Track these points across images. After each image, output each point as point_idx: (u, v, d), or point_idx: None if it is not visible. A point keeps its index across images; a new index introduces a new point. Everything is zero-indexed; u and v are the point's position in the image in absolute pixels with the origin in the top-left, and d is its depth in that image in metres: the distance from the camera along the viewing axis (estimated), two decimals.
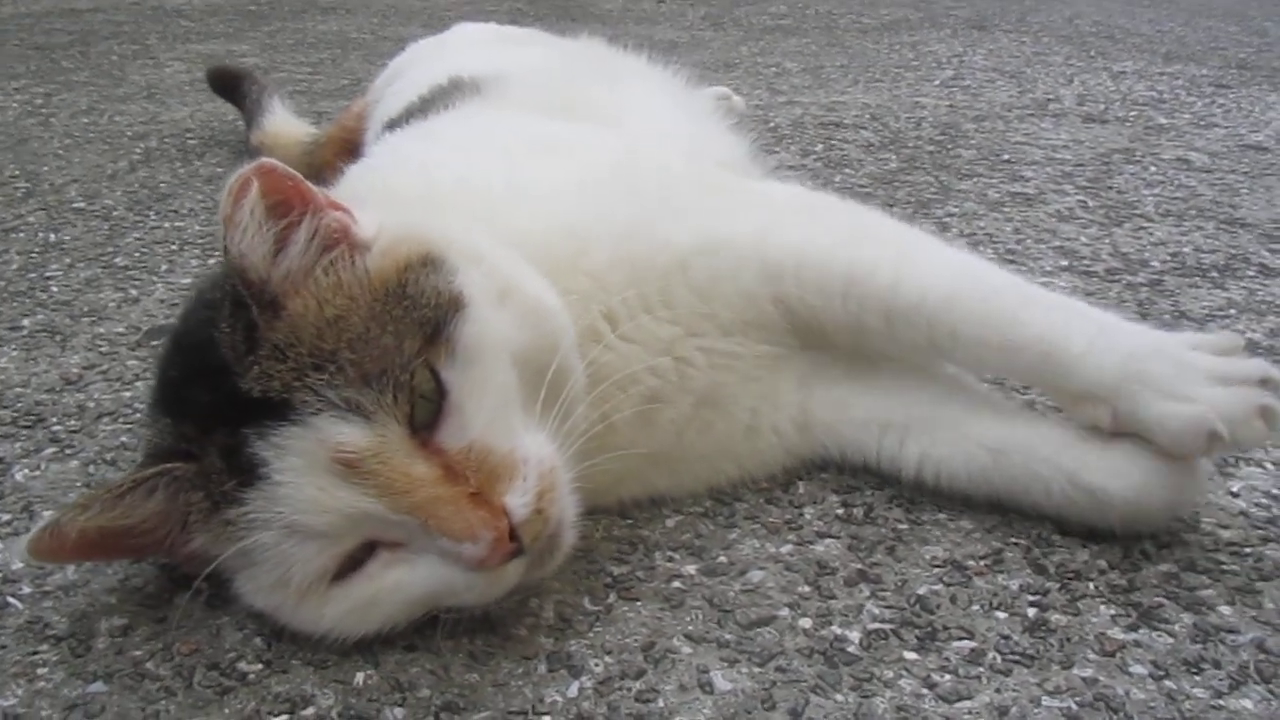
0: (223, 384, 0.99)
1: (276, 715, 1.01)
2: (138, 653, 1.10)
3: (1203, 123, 3.21)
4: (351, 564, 1.01)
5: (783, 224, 1.32)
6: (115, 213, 2.44)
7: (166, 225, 2.35)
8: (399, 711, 1.01)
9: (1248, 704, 1.00)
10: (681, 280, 1.27)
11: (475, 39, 2.40)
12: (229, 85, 2.94)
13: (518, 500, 1.00)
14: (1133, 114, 3.31)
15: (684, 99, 2.11)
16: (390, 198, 1.27)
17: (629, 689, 1.03)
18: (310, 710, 1.01)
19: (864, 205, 1.46)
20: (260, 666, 1.07)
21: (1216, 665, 1.04)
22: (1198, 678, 1.03)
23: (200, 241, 2.25)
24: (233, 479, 0.99)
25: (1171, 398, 1.13)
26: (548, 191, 1.31)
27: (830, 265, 1.28)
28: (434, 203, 1.27)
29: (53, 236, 2.29)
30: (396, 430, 0.98)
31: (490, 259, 1.13)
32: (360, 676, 1.05)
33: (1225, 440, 1.11)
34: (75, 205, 2.49)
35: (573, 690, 1.03)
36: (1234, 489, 1.33)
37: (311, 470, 0.97)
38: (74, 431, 1.51)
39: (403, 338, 1.00)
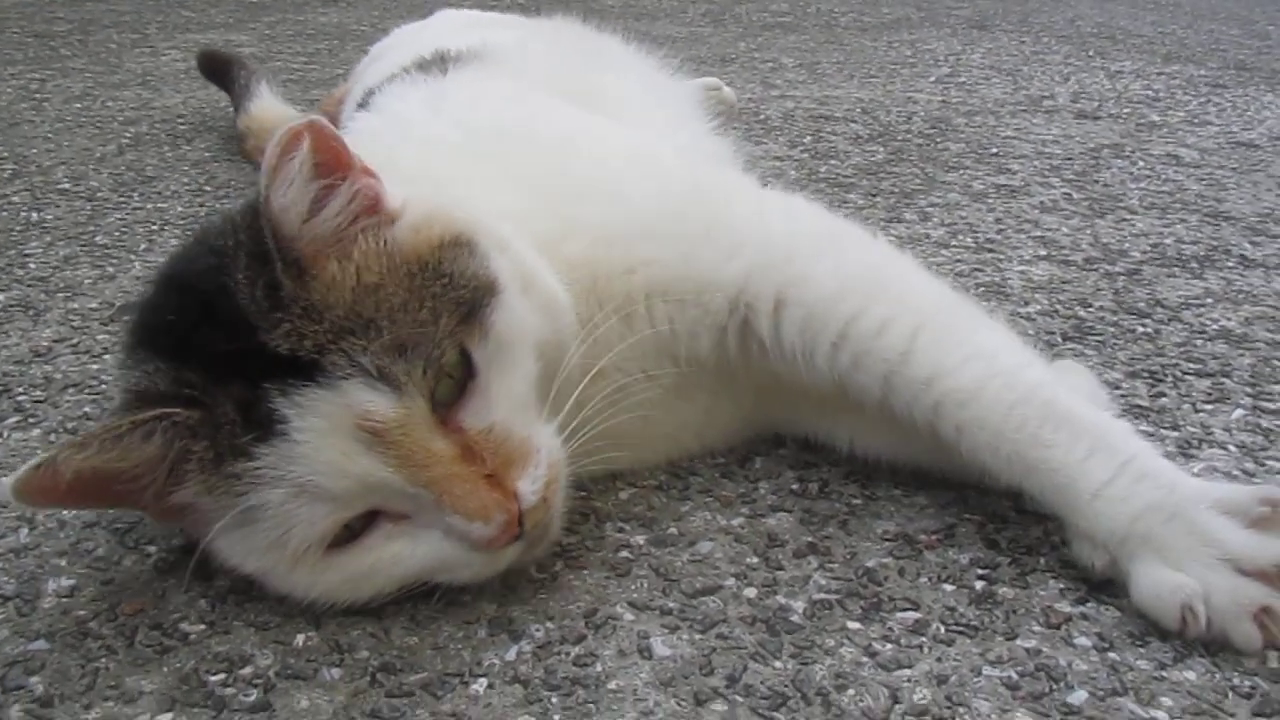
0: (243, 336, 0.97)
1: (214, 674, 1.01)
2: (82, 612, 1.10)
3: (1196, 120, 3.20)
4: (348, 533, 1.01)
5: (784, 259, 1.22)
6: (100, 194, 2.44)
7: (149, 206, 2.36)
8: (336, 672, 1.01)
9: (1191, 675, 0.99)
10: (644, 313, 1.23)
11: (457, 22, 2.40)
12: (218, 70, 2.94)
13: (529, 486, 1.01)
14: (1126, 111, 3.30)
15: (665, 86, 2.11)
16: (390, 164, 1.26)
17: (567, 653, 1.03)
18: (248, 669, 1.01)
19: (900, 251, 1.31)
20: (203, 627, 1.07)
21: (1163, 638, 1.03)
22: (1142, 650, 1.03)
23: (182, 223, 2.25)
24: (248, 433, 0.97)
25: (1169, 566, 1.03)
26: (543, 169, 1.30)
27: (829, 309, 1.18)
28: (434, 171, 1.26)
29: (35, 216, 2.29)
30: (422, 404, 0.98)
31: (514, 247, 1.13)
32: (300, 638, 1.05)
33: (1201, 624, 1.01)
34: (60, 186, 2.49)
35: (511, 654, 1.03)
36: (1195, 470, 1.32)
37: (334, 433, 0.96)
38: (38, 401, 1.51)
39: (440, 314, 1.00)
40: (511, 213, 1.19)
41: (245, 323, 0.97)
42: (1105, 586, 1.10)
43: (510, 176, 1.27)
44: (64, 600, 1.12)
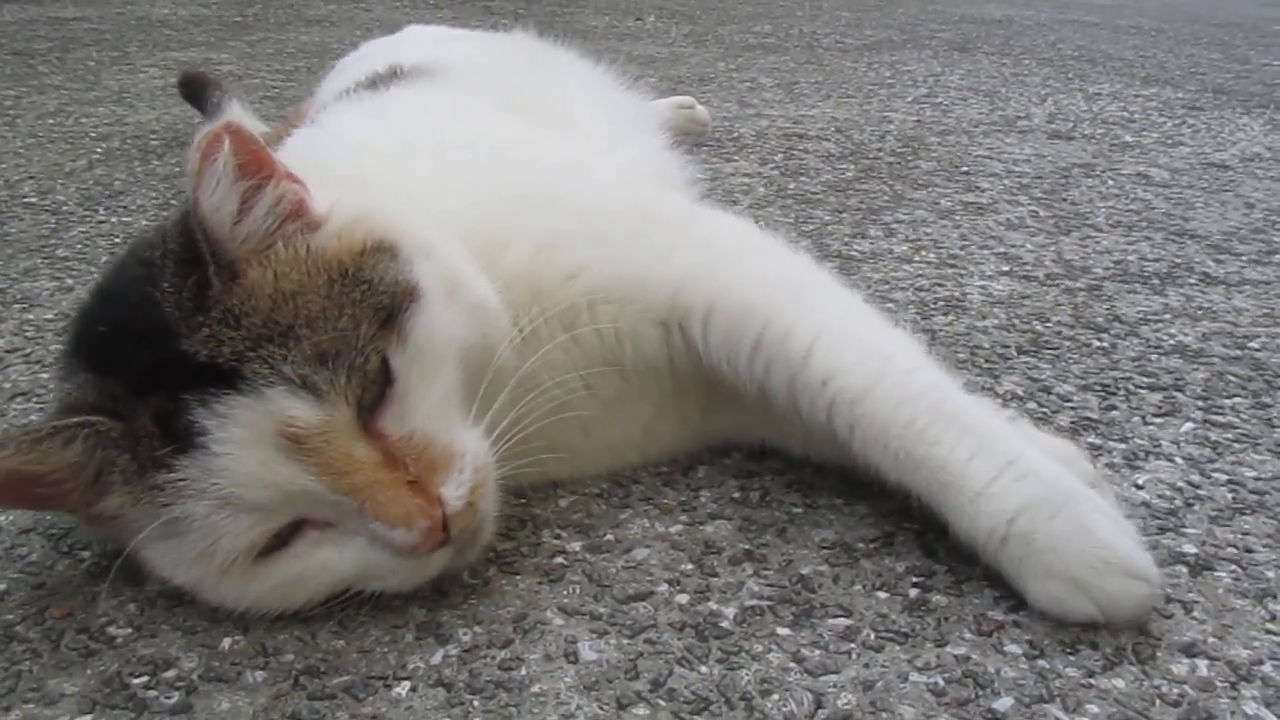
0: (161, 346, 0.97)
1: (138, 676, 1.00)
2: (10, 616, 1.09)
3: (1169, 141, 3.21)
4: (277, 541, 1.00)
5: (710, 269, 1.25)
6: (65, 207, 2.43)
7: (114, 220, 2.35)
8: (259, 675, 1.00)
9: (1119, 683, 0.99)
10: (588, 318, 1.24)
11: (426, 38, 2.40)
12: (197, 93, 2.94)
13: (453, 492, 1.01)
14: (1100, 132, 3.31)
15: (616, 101, 2.11)
16: (325, 172, 1.26)
17: (493, 657, 1.02)
18: (172, 672, 1.01)
19: (817, 265, 1.32)
20: (129, 631, 1.07)
21: (1094, 646, 1.03)
22: (1072, 658, 1.02)
23: None
24: (166, 445, 0.96)
25: (1054, 576, 1.04)
26: (481, 179, 1.30)
27: (746, 317, 1.20)
28: (368, 179, 1.26)
29: None
30: (345, 412, 0.98)
31: (439, 252, 1.12)
32: (227, 641, 1.05)
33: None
34: (27, 200, 2.49)
35: (436, 657, 1.02)
36: (1139, 481, 1.33)
37: (255, 443, 0.96)
38: None
39: (360, 321, 1.00)
40: (446, 222, 1.19)
41: (168, 331, 0.97)
42: None
43: (445, 187, 1.27)
44: None
